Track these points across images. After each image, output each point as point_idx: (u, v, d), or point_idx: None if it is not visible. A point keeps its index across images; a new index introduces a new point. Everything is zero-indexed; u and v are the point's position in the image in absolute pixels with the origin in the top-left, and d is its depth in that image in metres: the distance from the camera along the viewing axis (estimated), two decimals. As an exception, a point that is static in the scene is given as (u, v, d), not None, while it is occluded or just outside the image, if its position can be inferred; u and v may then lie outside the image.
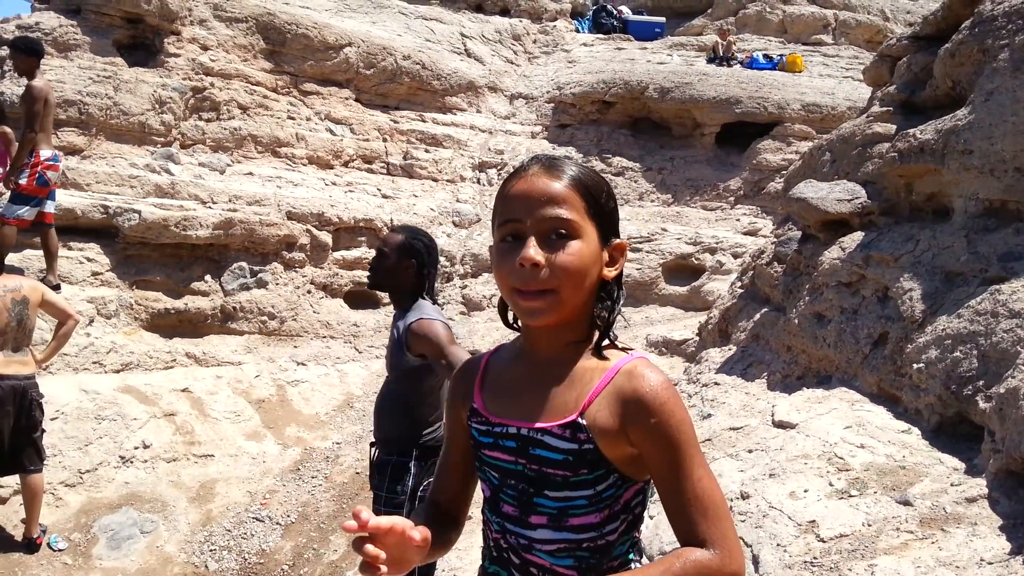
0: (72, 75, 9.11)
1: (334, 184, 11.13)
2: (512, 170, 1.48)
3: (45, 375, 6.43)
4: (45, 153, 6.78)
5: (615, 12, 17.86)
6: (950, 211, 4.49)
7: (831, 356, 4.87)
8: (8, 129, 7.17)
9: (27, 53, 6.82)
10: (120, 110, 9.30)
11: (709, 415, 5.06)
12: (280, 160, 10.94)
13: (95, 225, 8.22)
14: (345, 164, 11.71)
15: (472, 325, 10.24)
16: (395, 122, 12.60)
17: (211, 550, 6.20)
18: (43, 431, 5.62)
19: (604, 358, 1.44)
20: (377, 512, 3.49)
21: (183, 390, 7.68)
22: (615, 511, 1.42)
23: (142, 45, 10.21)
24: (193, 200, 9.11)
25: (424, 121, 12.98)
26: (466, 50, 14.68)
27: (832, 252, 5.15)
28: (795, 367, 5.27)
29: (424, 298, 3.54)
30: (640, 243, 11.33)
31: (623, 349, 1.47)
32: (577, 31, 17.33)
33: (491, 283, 10.39)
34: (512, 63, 15.39)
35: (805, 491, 3.40)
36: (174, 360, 8.07)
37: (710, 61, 15.05)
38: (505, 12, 16.33)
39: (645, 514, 1.53)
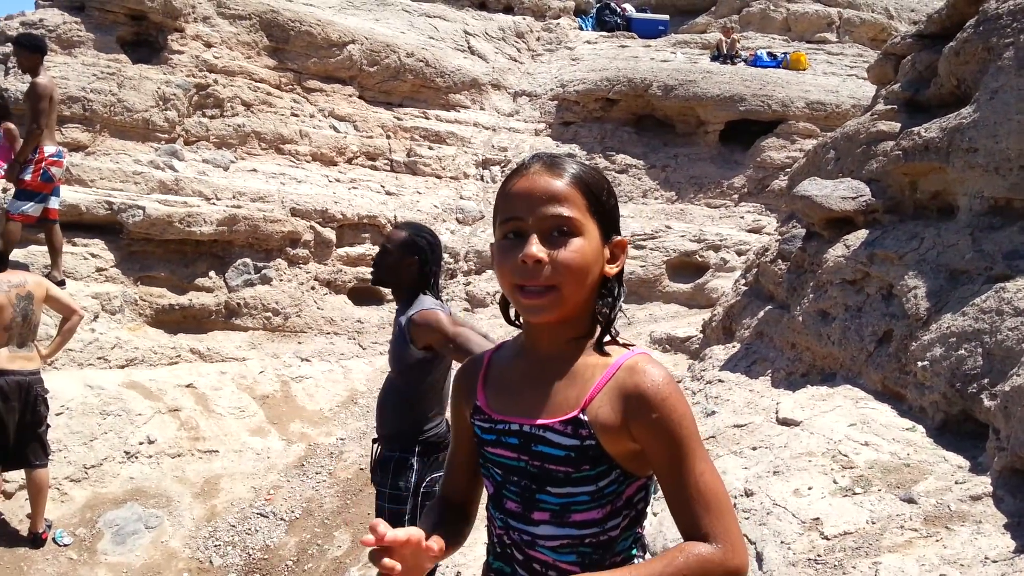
0: (76, 72, 9.12)
1: (338, 181, 11.14)
2: (513, 168, 1.49)
3: (50, 370, 6.45)
4: (49, 149, 6.79)
5: (619, 10, 17.84)
6: (955, 209, 4.48)
7: (835, 354, 4.87)
8: (12, 125, 7.18)
9: (31, 50, 6.83)
10: (124, 107, 9.30)
11: (713, 412, 5.07)
12: (284, 157, 10.95)
13: (99, 221, 8.23)
14: (349, 161, 11.71)
15: (476, 322, 10.25)
16: (399, 119, 12.60)
17: (215, 545, 6.22)
18: (48, 426, 5.63)
19: (605, 354, 1.45)
20: (380, 508, 3.54)
21: (187, 386, 7.69)
22: (617, 507, 1.43)
23: (146, 42, 10.21)
24: (197, 196, 9.12)
25: (428, 118, 12.98)
26: (470, 47, 14.67)
27: (836, 250, 5.15)
28: (799, 365, 5.27)
29: (426, 294, 3.55)
30: (644, 240, 11.32)
31: (624, 345, 1.47)
32: (581, 28, 17.31)
33: (495, 280, 10.38)
34: (516, 60, 15.37)
35: (809, 489, 3.41)
36: (178, 356, 8.09)
37: (714, 59, 15.03)
38: (509, 9, 16.32)
39: (648, 510, 1.53)
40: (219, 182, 9.57)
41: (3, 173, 7.01)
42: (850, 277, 4.96)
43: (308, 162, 11.14)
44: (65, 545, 5.75)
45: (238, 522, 6.49)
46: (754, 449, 4.06)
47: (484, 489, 1.60)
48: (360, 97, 12.45)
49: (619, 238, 1.48)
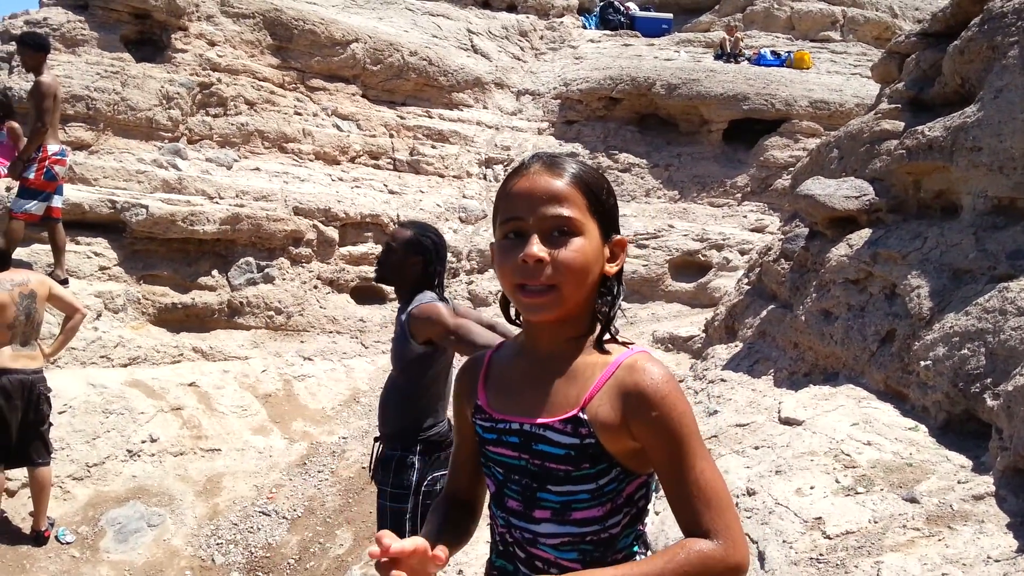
0: (80, 70, 9.13)
1: (340, 180, 11.14)
2: (513, 168, 1.49)
3: (53, 369, 6.46)
4: (52, 148, 6.80)
5: (622, 8, 17.83)
6: (958, 208, 4.47)
7: (838, 353, 4.86)
8: (16, 124, 7.19)
9: (35, 48, 6.84)
10: (127, 105, 9.32)
11: (715, 412, 5.06)
12: (287, 156, 10.95)
13: (103, 220, 8.24)
14: (352, 160, 11.72)
15: (480, 313, 10.23)
16: (402, 118, 12.60)
17: (217, 544, 6.23)
18: (50, 425, 5.64)
19: (605, 352, 1.45)
20: (381, 507, 3.54)
21: (190, 384, 7.70)
22: (618, 504, 1.44)
23: (149, 41, 10.23)
24: (200, 195, 9.13)
25: (431, 117, 12.98)
26: (473, 46, 14.67)
27: (839, 249, 5.14)
28: (802, 364, 5.26)
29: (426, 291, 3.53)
30: (647, 239, 11.31)
31: (623, 343, 1.48)
32: (584, 27, 17.31)
33: (497, 279, 10.39)
34: (519, 59, 15.37)
35: (811, 488, 3.40)
36: (181, 355, 8.10)
37: (717, 58, 15.02)
38: (512, 8, 16.31)
39: (651, 509, 1.54)
40: (222, 181, 9.58)
41: (6, 172, 7.02)
42: (853, 276, 4.95)
43: (311, 161, 11.15)
44: (68, 543, 5.77)
45: (240, 520, 6.50)
46: (756, 448, 4.06)
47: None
48: (363, 96, 12.46)
49: (619, 237, 1.48)
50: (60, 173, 6.97)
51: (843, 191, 5.24)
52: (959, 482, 3.14)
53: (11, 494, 5.86)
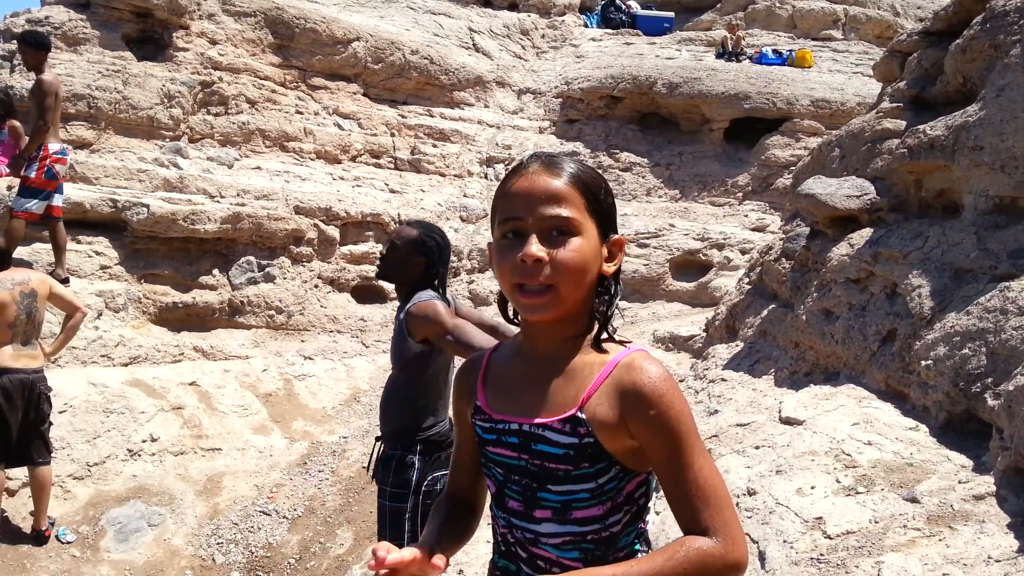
0: (81, 69, 9.13)
1: (342, 179, 11.14)
2: (511, 167, 1.50)
3: (53, 368, 6.46)
4: (53, 147, 6.80)
5: (624, 7, 17.80)
6: (960, 208, 4.46)
7: (839, 353, 4.85)
8: (17, 123, 7.19)
9: (36, 47, 6.84)
10: (129, 104, 9.32)
11: (716, 411, 5.06)
12: (288, 154, 10.95)
13: (104, 219, 8.25)
14: (353, 159, 11.71)
15: (482, 312, 10.23)
16: (403, 117, 12.59)
17: (218, 543, 6.23)
18: (51, 424, 5.64)
19: (603, 351, 1.46)
20: (381, 506, 3.53)
21: (191, 384, 7.71)
22: (618, 503, 1.44)
23: (151, 39, 10.23)
24: (201, 194, 9.13)
25: (432, 116, 12.97)
26: (474, 45, 14.66)
27: (841, 248, 5.13)
28: (802, 363, 5.26)
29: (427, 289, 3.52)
30: (648, 239, 11.31)
31: (621, 342, 1.48)
32: (585, 26, 17.29)
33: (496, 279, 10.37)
34: (520, 58, 15.35)
35: (812, 488, 3.40)
36: (182, 354, 8.10)
37: (719, 56, 15.00)
38: (513, 7, 16.29)
39: (652, 508, 1.54)
40: (223, 180, 9.57)
41: (8, 171, 7.02)
42: (854, 276, 4.94)
43: (312, 160, 11.14)
44: (68, 543, 5.77)
45: (241, 520, 6.50)
46: (757, 448, 4.05)
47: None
48: (364, 95, 12.45)
49: (616, 237, 1.49)
50: (61, 172, 6.98)
51: (844, 190, 5.24)
52: (960, 482, 3.14)
53: (12, 493, 5.86)
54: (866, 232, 5.03)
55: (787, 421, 4.27)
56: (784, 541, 3.10)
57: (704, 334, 7.96)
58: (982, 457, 3.28)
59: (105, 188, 8.51)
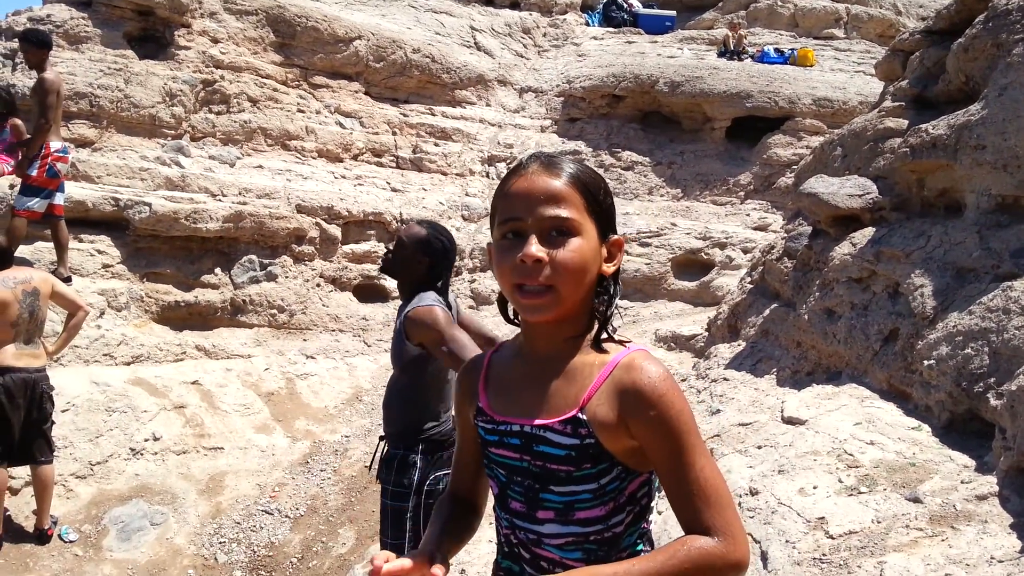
0: (83, 67, 9.13)
1: (343, 177, 11.14)
2: (511, 168, 1.50)
3: (56, 367, 6.47)
4: (55, 145, 6.80)
5: (625, 5, 17.78)
6: (962, 207, 4.46)
7: (841, 352, 4.85)
8: (19, 121, 7.19)
9: (37, 45, 6.84)
10: (131, 102, 9.32)
11: (718, 411, 5.05)
12: (290, 153, 10.95)
13: (106, 217, 8.25)
14: (355, 157, 11.71)
15: (481, 318, 10.24)
16: (404, 115, 12.59)
17: (220, 542, 6.23)
18: (53, 423, 5.64)
19: (603, 351, 1.46)
20: (383, 506, 3.54)
21: (193, 383, 7.71)
22: (620, 503, 1.44)
23: (152, 38, 10.22)
24: (203, 193, 9.13)
25: (433, 115, 12.97)
26: (476, 43, 14.65)
27: (843, 248, 5.13)
28: (805, 363, 5.26)
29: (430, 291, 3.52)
30: (649, 238, 11.30)
31: (620, 342, 1.48)
32: (587, 24, 17.27)
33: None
34: (522, 56, 15.34)
35: (814, 488, 3.39)
36: (184, 353, 8.10)
37: (721, 55, 14.98)
38: (515, 5, 16.27)
39: (654, 508, 1.54)
40: (225, 178, 9.58)
41: (10, 169, 7.02)
42: (856, 275, 4.94)
43: (314, 158, 11.14)
44: (71, 542, 5.77)
45: (243, 519, 6.50)
46: (759, 448, 4.05)
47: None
48: (366, 93, 12.45)
49: (616, 237, 1.49)
50: (62, 170, 6.98)
51: (846, 189, 5.24)
52: (962, 482, 3.14)
53: (14, 492, 5.86)
54: (868, 231, 5.02)
55: (789, 421, 4.27)
56: (786, 541, 3.10)
57: (706, 333, 7.96)
58: (985, 457, 3.28)
59: (107, 187, 8.51)
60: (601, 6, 17.94)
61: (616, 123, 13.75)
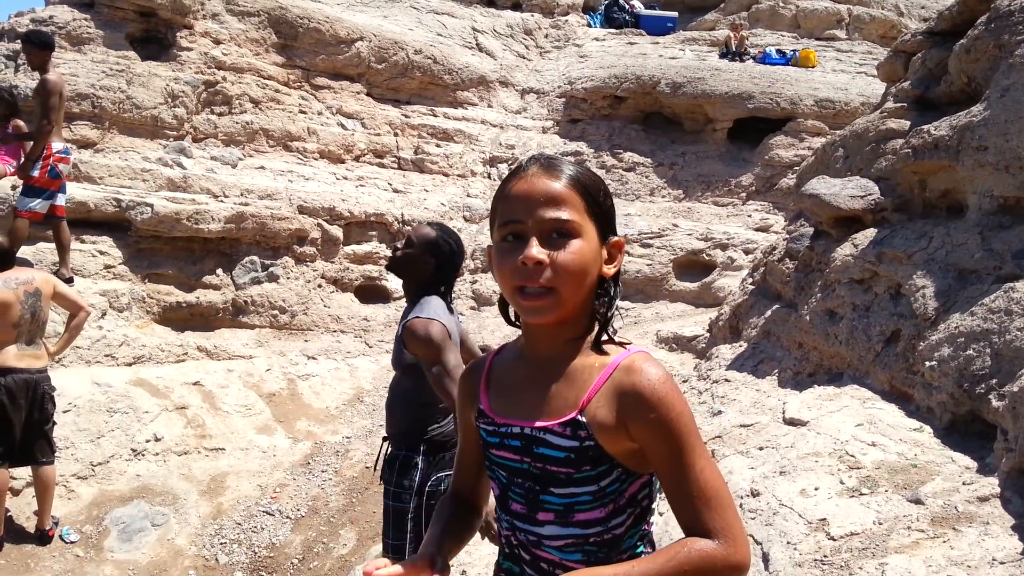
0: (85, 69, 9.15)
1: (345, 178, 11.14)
2: (511, 170, 1.50)
3: (57, 368, 6.47)
4: (57, 146, 6.81)
5: (627, 6, 17.79)
6: (964, 208, 4.45)
7: (843, 353, 4.85)
8: (21, 122, 7.20)
9: (40, 46, 6.85)
10: (133, 104, 9.33)
11: (719, 412, 5.05)
12: (291, 154, 10.96)
13: (108, 218, 8.26)
14: (356, 158, 11.72)
15: (482, 320, 10.25)
16: (406, 116, 12.59)
17: (221, 543, 6.23)
18: (54, 423, 5.65)
19: (603, 353, 1.46)
20: (386, 506, 3.54)
21: (194, 383, 7.71)
22: (620, 505, 1.44)
23: (155, 39, 10.24)
24: (205, 194, 9.14)
25: (435, 116, 12.97)
26: (478, 44, 14.66)
27: (844, 249, 5.12)
28: (806, 364, 5.25)
29: (436, 296, 3.52)
30: (651, 239, 11.30)
31: (621, 344, 1.48)
32: (589, 25, 17.27)
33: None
34: (523, 57, 15.34)
35: (816, 489, 3.39)
36: (185, 353, 8.10)
37: (722, 56, 14.98)
38: (517, 6, 16.28)
39: (656, 509, 1.54)
40: (227, 179, 9.58)
41: (12, 170, 7.03)
42: (858, 276, 4.93)
43: (316, 159, 11.15)
44: (72, 542, 5.77)
45: (244, 520, 6.50)
46: (760, 449, 4.05)
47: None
48: (368, 94, 12.45)
49: (616, 239, 1.49)
50: (64, 171, 6.98)
51: (848, 190, 5.23)
52: (964, 483, 3.13)
53: (16, 493, 5.87)
54: (870, 232, 5.02)
55: (791, 422, 4.27)
56: (788, 542, 3.09)
57: (707, 334, 7.95)
58: (986, 458, 3.28)
59: (109, 188, 8.52)
60: (603, 7, 17.94)
61: (618, 124, 13.74)
